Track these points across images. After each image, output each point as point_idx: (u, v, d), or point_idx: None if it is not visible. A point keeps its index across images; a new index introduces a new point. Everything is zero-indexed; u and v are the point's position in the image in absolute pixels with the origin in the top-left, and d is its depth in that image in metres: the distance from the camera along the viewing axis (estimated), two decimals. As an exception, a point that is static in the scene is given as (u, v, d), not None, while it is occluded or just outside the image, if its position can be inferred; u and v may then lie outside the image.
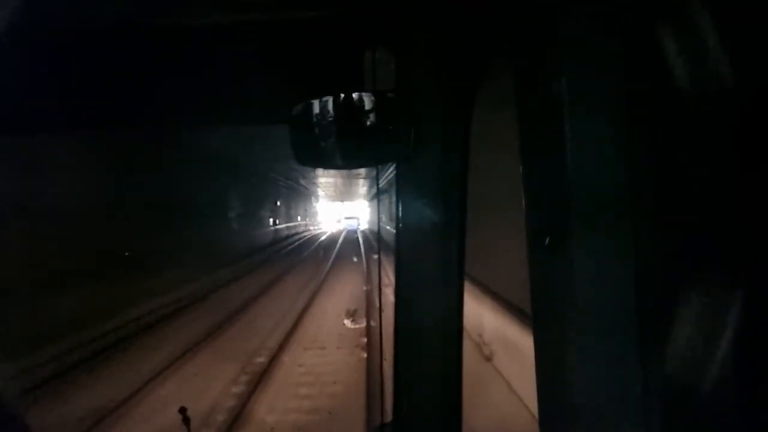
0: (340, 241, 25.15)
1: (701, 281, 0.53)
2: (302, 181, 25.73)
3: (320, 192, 36.18)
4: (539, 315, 0.72)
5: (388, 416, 1.09)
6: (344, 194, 39.17)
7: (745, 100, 0.49)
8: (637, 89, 0.57)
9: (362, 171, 19.26)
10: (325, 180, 27.03)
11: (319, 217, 46.08)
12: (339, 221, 44.85)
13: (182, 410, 3.22)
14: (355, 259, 16.09)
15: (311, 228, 36.93)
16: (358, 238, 26.41)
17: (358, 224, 36.73)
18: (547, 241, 0.66)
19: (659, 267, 0.57)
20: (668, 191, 0.56)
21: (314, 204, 41.49)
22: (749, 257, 0.50)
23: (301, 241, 25.71)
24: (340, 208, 47.81)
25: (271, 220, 20.16)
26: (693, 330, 0.53)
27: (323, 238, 28.56)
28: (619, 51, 0.58)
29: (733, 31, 0.49)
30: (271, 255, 17.66)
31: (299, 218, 30.34)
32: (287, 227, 24.70)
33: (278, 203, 21.53)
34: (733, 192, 0.50)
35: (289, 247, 21.57)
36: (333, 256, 17.63)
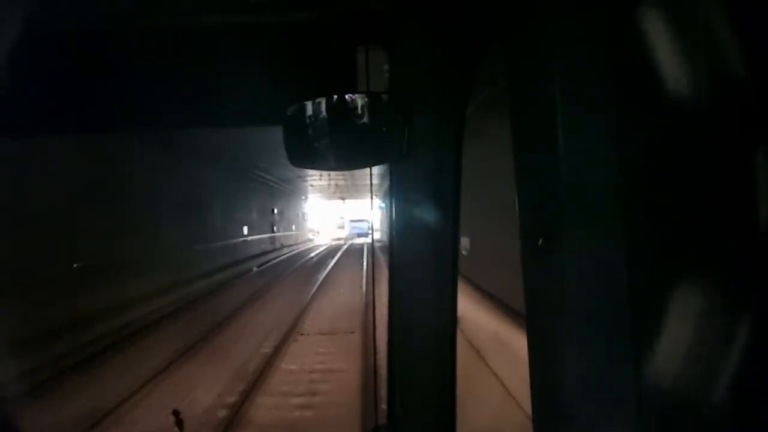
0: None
1: (693, 281, 0.53)
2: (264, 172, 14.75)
3: (308, 185, 22.97)
4: (533, 315, 0.73)
5: (383, 418, 1.09)
6: (346, 190, 26.03)
7: (737, 98, 0.50)
8: (629, 90, 0.57)
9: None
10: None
11: (309, 223, 31.80)
12: (341, 227, 33.74)
13: (175, 413, 3.20)
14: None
15: (284, 246, 21.65)
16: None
17: (369, 229, 25.77)
18: (540, 241, 0.66)
19: (651, 267, 0.57)
20: (660, 191, 0.56)
21: (303, 204, 28.92)
22: (741, 256, 0.50)
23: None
24: (341, 208, 34.37)
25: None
26: (685, 329, 0.53)
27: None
28: (610, 52, 0.58)
29: (725, 29, 0.49)
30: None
31: (246, 230, 15.33)
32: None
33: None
34: (726, 191, 0.51)
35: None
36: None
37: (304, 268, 15.98)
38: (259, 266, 15.29)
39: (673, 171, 0.54)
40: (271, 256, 18.15)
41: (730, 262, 0.51)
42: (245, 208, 15.62)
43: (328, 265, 15.84)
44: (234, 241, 14.11)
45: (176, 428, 3.16)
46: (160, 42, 2.10)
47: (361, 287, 10.74)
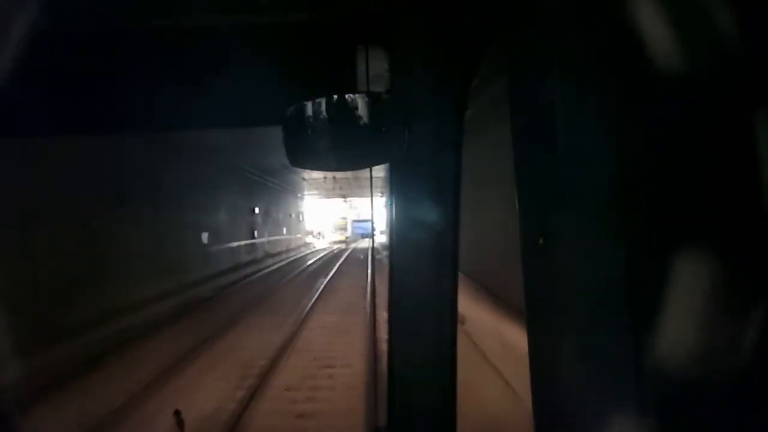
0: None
1: (693, 280, 0.53)
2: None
3: (299, 177, 18.60)
4: (533, 314, 0.73)
5: (383, 420, 1.09)
6: (347, 185, 22.17)
7: (738, 98, 0.50)
8: (629, 90, 0.57)
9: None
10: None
11: (307, 225, 26.99)
12: (343, 228, 30.28)
13: (176, 413, 3.20)
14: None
15: (269, 255, 16.30)
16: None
17: (373, 230, 21.34)
18: (540, 241, 0.66)
19: (651, 266, 0.57)
20: (660, 191, 0.56)
21: (299, 204, 24.07)
22: (741, 256, 0.50)
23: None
24: (342, 208, 30.89)
25: None
26: (685, 328, 0.53)
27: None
28: (610, 52, 0.58)
29: (725, 29, 0.49)
30: None
31: (206, 238, 9.88)
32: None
33: None
34: (726, 191, 0.51)
35: None
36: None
37: (287, 292, 10.56)
38: (204, 299, 8.92)
39: (673, 171, 0.54)
40: (241, 273, 12.40)
41: (730, 261, 0.51)
42: (208, 207, 10.74)
43: (318, 287, 10.81)
44: (186, 253, 9.23)
45: (176, 429, 3.16)
46: (160, 42, 2.10)
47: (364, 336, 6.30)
